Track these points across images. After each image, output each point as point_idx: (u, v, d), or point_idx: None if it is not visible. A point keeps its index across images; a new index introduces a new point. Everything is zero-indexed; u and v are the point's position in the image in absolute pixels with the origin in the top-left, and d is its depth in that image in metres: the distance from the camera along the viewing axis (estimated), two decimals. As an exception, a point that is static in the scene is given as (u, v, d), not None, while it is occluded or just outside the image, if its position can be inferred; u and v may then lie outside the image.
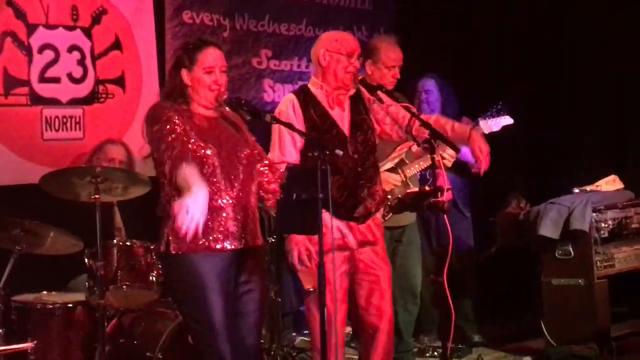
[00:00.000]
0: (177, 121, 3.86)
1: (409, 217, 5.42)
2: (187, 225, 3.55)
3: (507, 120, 5.39)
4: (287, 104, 4.55)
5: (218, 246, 3.87)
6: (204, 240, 3.84)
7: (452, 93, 6.22)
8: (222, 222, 3.88)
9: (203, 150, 3.85)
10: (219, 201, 3.87)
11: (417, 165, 5.13)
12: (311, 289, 4.48)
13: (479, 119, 5.37)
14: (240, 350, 3.91)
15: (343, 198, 4.46)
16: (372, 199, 4.56)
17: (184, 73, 3.95)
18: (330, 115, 4.54)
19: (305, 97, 4.56)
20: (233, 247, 3.90)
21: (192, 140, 3.86)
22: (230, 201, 3.89)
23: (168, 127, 3.84)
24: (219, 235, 3.87)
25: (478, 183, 6.39)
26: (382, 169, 5.02)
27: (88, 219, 4.77)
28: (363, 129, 4.59)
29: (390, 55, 5.44)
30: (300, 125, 4.44)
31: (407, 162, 5.14)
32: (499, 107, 5.38)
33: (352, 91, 4.63)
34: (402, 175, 5.12)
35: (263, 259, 4.13)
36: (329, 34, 4.73)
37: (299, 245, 4.33)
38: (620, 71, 7.13)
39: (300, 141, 4.43)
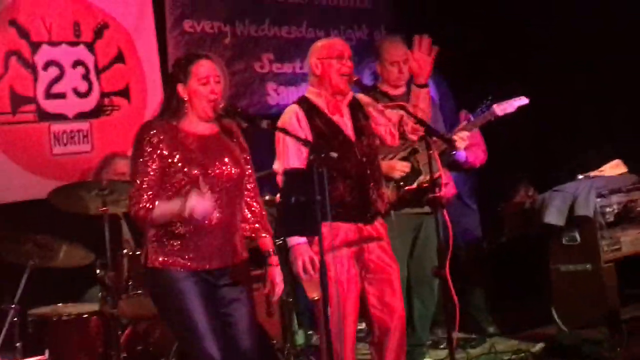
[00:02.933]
0: (160, 144, 3.89)
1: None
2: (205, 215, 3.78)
3: (521, 101, 5.41)
4: (290, 116, 4.59)
5: (197, 266, 3.91)
6: (183, 259, 3.90)
7: (448, 89, 6.28)
8: (204, 243, 3.92)
9: (187, 170, 3.88)
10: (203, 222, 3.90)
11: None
12: (316, 297, 4.53)
13: (493, 104, 5.41)
14: (236, 355, 3.97)
15: (355, 200, 4.53)
16: (381, 200, 4.64)
17: (180, 87, 3.98)
18: (335, 122, 4.61)
19: (308, 107, 4.61)
20: (213, 267, 3.94)
21: (176, 161, 3.89)
22: (214, 222, 3.91)
23: (147, 153, 3.89)
24: (199, 255, 3.91)
25: (484, 174, 6.46)
26: (395, 158, 5.09)
27: (97, 232, 4.89)
28: (366, 133, 4.67)
29: (391, 52, 5.53)
30: (307, 134, 4.50)
31: (420, 150, 5.19)
32: (488, 102, 5.41)
33: (349, 97, 4.70)
34: (415, 163, 5.18)
35: (247, 271, 4.14)
36: (318, 42, 4.81)
37: (303, 255, 4.41)
38: (624, 58, 7.14)
39: (305, 150, 4.45)
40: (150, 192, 3.85)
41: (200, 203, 3.75)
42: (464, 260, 6.28)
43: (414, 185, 5.05)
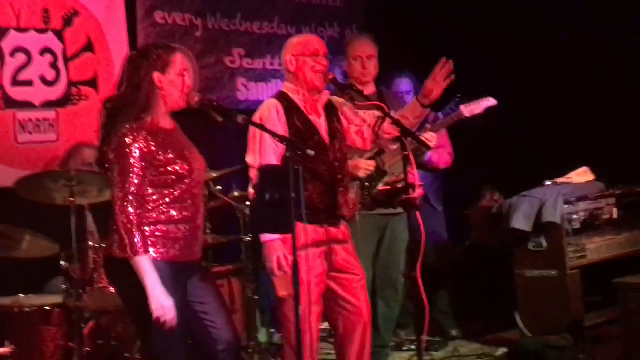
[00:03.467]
0: (150, 148, 3.80)
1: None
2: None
3: (489, 102, 5.37)
4: (270, 109, 4.53)
5: (177, 257, 3.85)
6: (164, 250, 3.83)
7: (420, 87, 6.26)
8: (183, 235, 3.87)
9: (175, 168, 3.84)
10: (183, 213, 3.86)
11: (396, 154, 5.14)
12: (286, 296, 4.48)
13: (460, 105, 5.37)
14: (225, 346, 3.95)
15: (323, 205, 4.50)
16: (347, 206, 4.61)
17: (157, 76, 3.89)
18: (312, 122, 4.56)
19: (287, 104, 4.56)
20: (189, 259, 3.90)
21: (166, 160, 3.83)
22: (191, 215, 3.89)
23: (138, 163, 3.78)
24: (178, 247, 3.85)
25: (451, 177, 6.46)
26: (362, 158, 5.07)
27: (62, 222, 4.81)
28: (338, 137, 4.63)
29: (355, 47, 5.58)
30: (283, 131, 4.44)
31: (385, 150, 5.17)
32: (457, 99, 5.38)
33: (325, 99, 4.66)
34: (381, 163, 5.16)
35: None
36: (293, 39, 4.75)
37: (278, 251, 4.36)
38: (591, 64, 7.19)
39: (281, 147, 4.34)
40: (147, 227, 3.77)
41: (165, 308, 3.72)
42: (430, 263, 6.26)
43: (387, 186, 5.02)
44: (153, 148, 3.81)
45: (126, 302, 3.95)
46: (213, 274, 4.21)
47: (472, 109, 5.33)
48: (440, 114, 5.70)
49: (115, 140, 3.80)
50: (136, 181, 3.76)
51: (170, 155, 3.84)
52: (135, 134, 3.80)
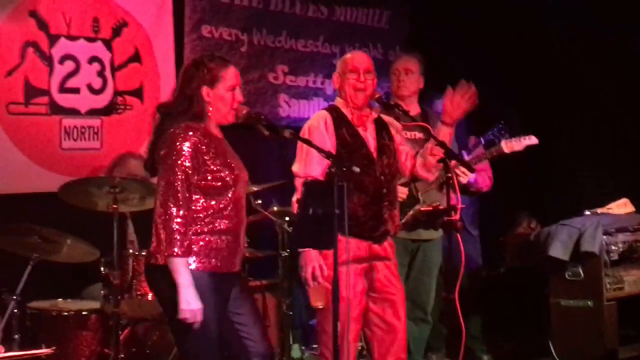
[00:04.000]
0: (203, 150, 3.81)
1: (428, 233, 5.42)
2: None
3: (531, 140, 5.41)
4: (319, 120, 4.58)
5: (218, 268, 3.86)
6: (205, 261, 3.83)
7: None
8: (226, 246, 3.87)
9: (224, 175, 3.85)
10: (227, 224, 3.87)
11: (430, 183, 5.17)
12: (320, 306, 4.50)
13: (502, 140, 5.41)
14: (259, 359, 3.96)
15: (367, 217, 4.50)
16: (392, 221, 4.61)
17: (205, 90, 3.90)
18: (360, 135, 4.59)
19: (337, 115, 4.60)
20: (229, 270, 3.91)
21: (216, 166, 3.84)
22: (234, 226, 3.90)
23: (190, 161, 3.78)
24: (220, 257, 3.86)
25: (486, 202, 6.44)
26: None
27: (104, 229, 4.86)
28: (387, 153, 4.64)
29: (395, 62, 5.71)
30: (330, 141, 4.49)
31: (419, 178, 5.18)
32: (500, 126, 5.41)
33: (375, 115, 4.68)
34: (414, 191, 5.16)
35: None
36: (343, 57, 4.80)
37: (313, 261, 4.37)
38: (634, 91, 7.17)
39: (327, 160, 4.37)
40: (187, 226, 3.75)
41: (193, 311, 3.73)
42: (463, 287, 6.25)
43: (429, 207, 5.03)
44: (204, 149, 3.82)
45: (166, 310, 3.92)
46: (250, 286, 4.20)
47: (512, 145, 5.39)
48: (482, 139, 5.72)
49: (168, 137, 3.81)
50: (183, 178, 3.75)
51: (219, 161, 3.85)
52: (190, 133, 3.81)
